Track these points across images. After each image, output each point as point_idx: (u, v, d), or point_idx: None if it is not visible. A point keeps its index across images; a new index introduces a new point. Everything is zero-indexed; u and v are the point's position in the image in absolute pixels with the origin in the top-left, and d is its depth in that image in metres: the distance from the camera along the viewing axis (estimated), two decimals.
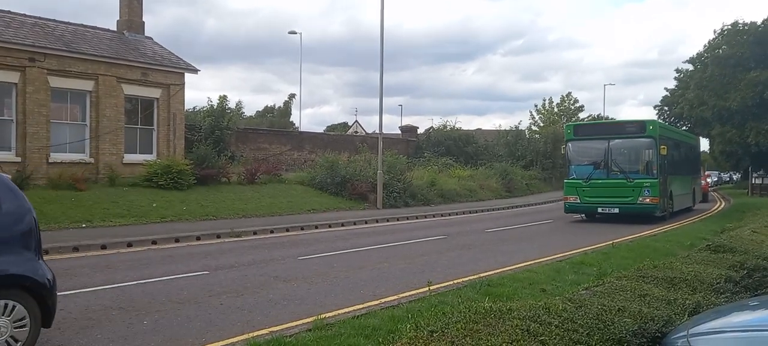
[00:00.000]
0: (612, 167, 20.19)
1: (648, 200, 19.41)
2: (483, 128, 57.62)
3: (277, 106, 64.35)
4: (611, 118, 46.38)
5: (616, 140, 20.36)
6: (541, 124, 54.31)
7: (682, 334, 4.05)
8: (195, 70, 23.22)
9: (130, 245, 13.19)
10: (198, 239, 14.46)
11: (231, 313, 7.41)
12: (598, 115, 52.24)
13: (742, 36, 35.33)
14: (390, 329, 6.17)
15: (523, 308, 4.65)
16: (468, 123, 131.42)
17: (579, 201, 20.47)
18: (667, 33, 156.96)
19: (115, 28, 23.40)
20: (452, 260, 11.93)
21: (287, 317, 7.18)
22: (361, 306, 7.64)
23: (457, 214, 23.70)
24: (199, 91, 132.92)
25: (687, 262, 7.48)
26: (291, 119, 59.99)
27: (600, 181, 20.18)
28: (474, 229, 18.17)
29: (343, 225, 18.58)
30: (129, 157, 20.73)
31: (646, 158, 20.17)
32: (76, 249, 12.32)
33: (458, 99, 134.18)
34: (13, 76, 17.98)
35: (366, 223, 19.54)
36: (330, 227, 18.12)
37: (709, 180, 41.95)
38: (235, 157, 25.57)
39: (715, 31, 38.66)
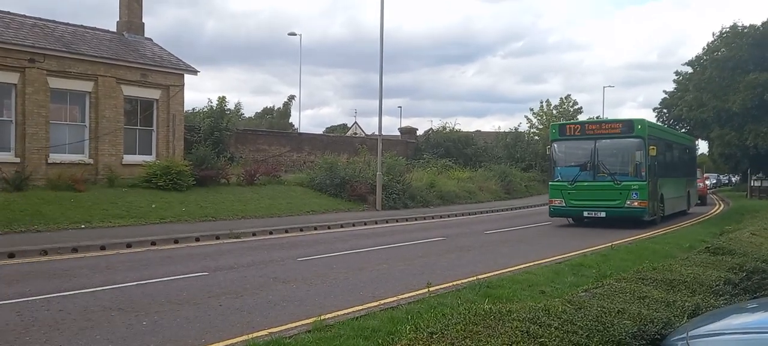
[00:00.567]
0: (598, 169, 19.25)
1: (636, 203, 18.48)
2: (482, 130, 57.63)
3: (276, 108, 64.45)
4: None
5: (603, 141, 19.38)
6: (540, 127, 54.31)
7: (681, 336, 4.05)
8: (194, 72, 23.22)
9: (129, 245, 13.19)
10: (197, 240, 14.46)
11: (230, 314, 7.41)
12: (597, 117, 52.23)
13: (741, 38, 35.40)
14: (389, 331, 6.17)
15: (523, 309, 4.64)
16: (467, 125, 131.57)
17: (564, 204, 19.57)
18: (667, 35, 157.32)
19: (114, 29, 23.41)
20: (451, 261, 11.93)
21: (287, 318, 7.18)
22: (360, 307, 7.64)
23: (456, 215, 23.70)
24: (199, 93, 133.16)
25: (686, 264, 7.48)
26: (290, 121, 60.09)
27: (586, 183, 19.29)
28: (473, 230, 18.18)
29: (342, 226, 18.58)
30: (128, 158, 20.73)
31: (634, 160, 19.06)
32: (75, 250, 12.32)
33: (458, 101, 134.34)
34: (12, 77, 17.98)
35: (365, 224, 19.54)
36: (329, 228, 18.12)
37: (707, 182, 41.62)
38: (234, 159, 25.59)
39: (714, 34, 38.73)
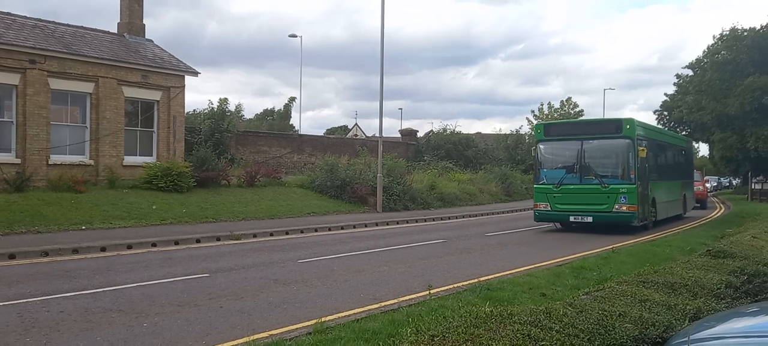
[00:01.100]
0: (585, 171, 18.20)
1: (624, 207, 17.43)
2: (483, 132, 57.70)
3: (277, 109, 64.46)
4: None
5: (590, 141, 18.29)
6: None
7: (683, 340, 4.03)
8: (195, 73, 23.24)
9: (129, 247, 13.18)
10: (198, 241, 14.45)
11: (231, 316, 7.40)
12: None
13: (741, 41, 35.37)
14: (390, 333, 6.16)
15: (524, 312, 4.64)
16: (468, 127, 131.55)
17: (549, 209, 18.55)
18: (668, 38, 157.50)
19: (115, 31, 23.43)
20: (452, 263, 11.92)
21: (287, 320, 7.17)
22: (361, 310, 7.63)
23: (456, 217, 23.69)
24: (201, 94, 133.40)
25: (687, 267, 7.48)
26: (291, 122, 60.09)
27: (572, 186, 18.25)
28: (474, 233, 18.17)
29: (342, 228, 18.58)
30: (129, 160, 20.74)
31: (622, 161, 17.98)
32: (75, 251, 12.31)
33: (458, 103, 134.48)
34: (13, 78, 17.98)
35: (366, 226, 19.53)
36: (329, 230, 18.11)
37: (708, 185, 41.36)
38: (234, 160, 25.59)
39: (714, 37, 38.72)
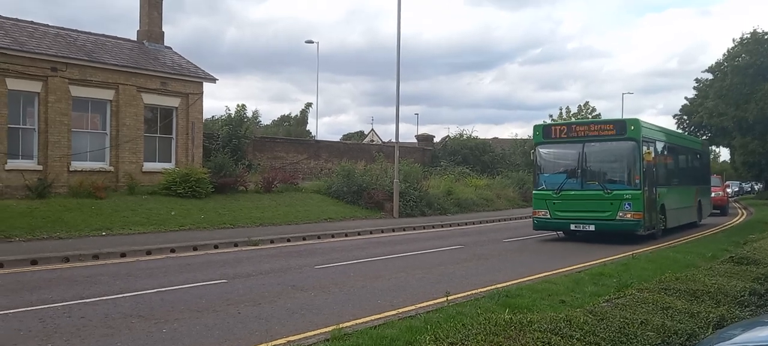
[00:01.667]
0: (587, 176, 17.08)
1: (629, 215, 16.22)
2: (500, 137, 57.40)
3: (293, 115, 64.82)
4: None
5: (592, 144, 17.08)
6: None
7: None
8: (213, 80, 23.44)
9: (149, 253, 13.30)
10: (216, 247, 14.54)
11: (249, 322, 7.43)
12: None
13: (762, 45, 34.90)
14: (408, 340, 6.13)
15: (544, 320, 4.60)
16: (485, 132, 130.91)
17: (549, 216, 17.42)
18: (688, 42, 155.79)
19: (135, 39, 23.72)
20: (469, 270, 11.86)
21: (305, 326, 7.18)
22: (378, 316, 7.61)
23: (473, 223, 23.58)
24: (218, 100, 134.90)
25: (709, 274, 7.37)
26: (307, 128, 60.35)
27: (573, 192, 17.11)
28: (491, 238, 18.06)
29: (359, 234, 18.58)
30: (148, 166, 20.94)
31: (627, 165, 16.81)
32: (96, 257, 12.45)
33: (475, 108, 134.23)
34: (35, 86, 18.27)
35: (382, 232, 19.52)
36: (346, 236, 18.12)
37: (729, 191, 40.16)
38: (252, 166, 25.73)
39: (734, 40, 38.17)
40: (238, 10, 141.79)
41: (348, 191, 24.36)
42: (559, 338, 4.22)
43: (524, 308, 7.35)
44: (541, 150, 18.15)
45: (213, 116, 30.21)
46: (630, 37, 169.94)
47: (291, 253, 14.07)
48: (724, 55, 39.50)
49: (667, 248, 14.98)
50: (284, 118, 65.62)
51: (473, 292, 9.14)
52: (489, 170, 38.30)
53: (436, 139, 44.42)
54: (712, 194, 27.68)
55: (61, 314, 7.74)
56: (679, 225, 20.04)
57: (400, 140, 26.12)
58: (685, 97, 48.27)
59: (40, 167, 18.20)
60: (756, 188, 62.69)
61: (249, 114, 28.32)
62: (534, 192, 18.33)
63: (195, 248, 14.15)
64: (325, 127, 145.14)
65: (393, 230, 20.00)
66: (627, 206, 16.31)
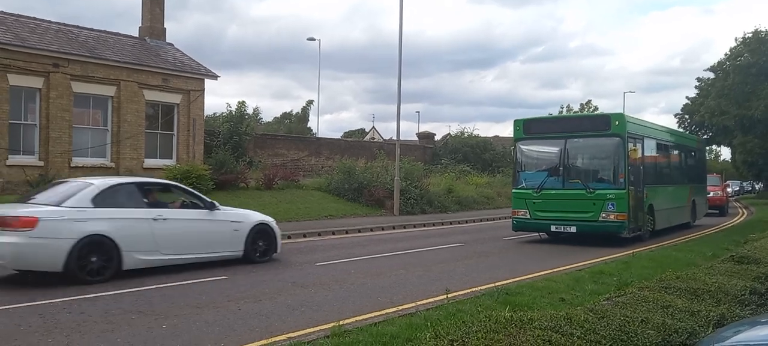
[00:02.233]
0: (569, 174, 16.02)
1: (612, 216, 15.17)
2: (501, 135, 57.33)
3: (295, 112, 64.87)
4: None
5: (574, 140, 16.10)
6: None
7: None
8: (215, 77, 23.45)
9: None
10: None
11: (249, 318, 7.43)
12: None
13: (764, 44, 34.86)
14: (408, 337, 6.13)
15: (545, 318, 4.60)
16: (486, 130, 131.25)
17: (529, 217, 16.36)
18: (690, 41, 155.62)
19: (137, 35, 23.72)
20: (470, 267, 11.86)
21: (305, 323, 7.18)
22: (378, 313, 7.61)
23: (474, 221, 23.58)
24: (221, 98, 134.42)
25: (710, 273, 7.36)
26: (308, 125, 60.40)
27: (554, 191, 16.04)
28: (491, 236, 18.06)
29: (359, 231, 18.58)
30: (149, 162, 20.95)
31: (610, 163, 15.78)
32: None
33: (477, 106, 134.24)
34: (37, 82, 18.28)
35: (383, 229, 19.52)
36: (347, 233, 18.13)
37: (729, 190, 39.47)
38: (253, 163, 25.74)
39: (736, 39, 38.13)
40: (240, 8, 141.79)
41: (349, 188, 24.37)
42: (560, 336, 4.21)
43: (524, 306, 7.35)
44: (521, 146, 17.11)
45: (214, 113, 30.26)
46: (633, 36, 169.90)
47: (291, 250, 14.07)
48: (726, 54, 39.44)
49: (667, 247, 14.94)
50: (286, 116, 65.67)
51: (473, 289, 9.14)
52: (490, 168, 38.29)
53: (437, 137, 44.44)
54: (711, 194, 26.99)
55: (61, 309, 7.75)
56: (670, 226, 18.96)
57: (401, 138, 26.13)
58: (687, 97, 48.15)
59: (42, 163, 18.23)
60: (757, 187, 62.63)
61: (249, 111, 28.36)
62: (513, 191, 17.24)
63: None
64: (326, 125, 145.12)
65: (393, 228, 20.01)
66: (610, 206, 15.25)
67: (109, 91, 19.99)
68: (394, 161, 24.85)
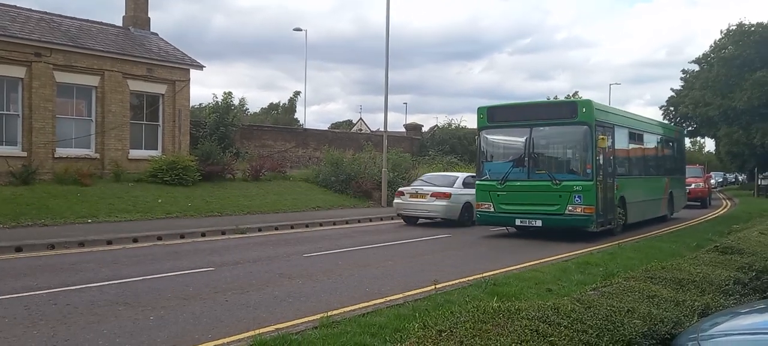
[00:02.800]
0: (534, 165, 15.18)
1: (579, 209, 14.31)
2: None
3: (281, 103, 64.51)
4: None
5: (541, 129, 15.21)
6: None
7: (692, 336, 4.02)
8: (200, 67, 23.25)
9: (135, 240, 13.21)
10: (203, 235, 14.48)
11: (236, 310, 7.40)
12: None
13: (748, 36, 35.21)
14: (396, 328, 6.15)
15: (532, 308, 4.61)
16: (473, 121, 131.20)
17: (493, 210, 15.48)
18: (675, 33, 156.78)
19: (120, 24, 23.44)
20: (457, 258, 11.91)
21: (293, 314, 7.17)
22: (367, 304, 7.62)
23: None
24: (207, 88, 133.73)
25: (695, 263, 7.42)
26: (295, 116, 60.10)
27: (519, 183, 15.17)
28: (479, 227, 18.11)
29: (347, 223, 18.58)
30: (134, 153, 20.78)
31: (577, 153, 14.96)
32: (81, 244, 12.35)
33: (464, 97, 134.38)
34: (19, 71, 18.02)
35: (370, 221, 19.53)
36: (334, 224, 18.11)
37: (712, 182, 39.43)
38: (239, 154, 25.62)
39: (721, 32, 38.52)
40: None
41: (336, 179, 24.33)
42: (547, 325, 4.23)
43: (512, 296, 7.38)
44: (485, 135, 16.15)
45: (200, 104, 30.05)
46: (619, 28, 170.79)
47: (279, 241, 14.04)
48: (711, 46, 39.82)
49: (652, 238, 15.10)
50: (272, 107, 65.32)
51: (461, 280, 9.18)
52: None
53: (425, 129, 44.42)
54: (692, 185, 26.76)
55: (47, 301, 7.67)
56: (644, 220, 18.22)
57: (389, 129, 26.09)
58: (672, 89, 48.47)
59: (25, 154, 18.00)
60: (740, 178, 63.38)
61: (235, 102, 28.19)
62: (477, 182, 16.37)
63: (182, 236, 14.08)
64: (313, 116, 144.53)
65: (381, 219, 20.02)
66: (577, 198, 14.40)
67: (93, 81, 19.76)
68: (381, 153, 24.84)
